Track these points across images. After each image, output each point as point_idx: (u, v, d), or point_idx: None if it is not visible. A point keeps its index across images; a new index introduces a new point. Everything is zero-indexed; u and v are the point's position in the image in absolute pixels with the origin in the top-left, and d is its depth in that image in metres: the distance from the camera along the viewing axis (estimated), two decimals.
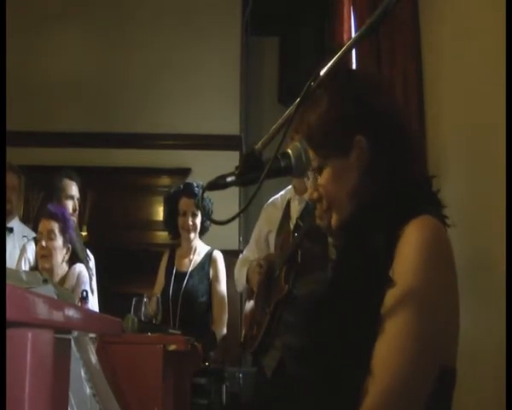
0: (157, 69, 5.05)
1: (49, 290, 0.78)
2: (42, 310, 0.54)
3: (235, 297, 3.95)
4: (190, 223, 3.23)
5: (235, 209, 3.70)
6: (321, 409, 0.99)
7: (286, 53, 5.86)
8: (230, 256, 3.52)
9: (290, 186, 2.78)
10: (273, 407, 2.23)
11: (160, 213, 4.67)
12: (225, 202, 3.14)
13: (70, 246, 2.91)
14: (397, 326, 0.92)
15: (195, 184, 3.27)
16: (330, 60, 0.94)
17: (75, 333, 0.75)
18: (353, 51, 2.89)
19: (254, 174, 0.95)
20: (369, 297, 0.95)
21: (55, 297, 0.76)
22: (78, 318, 0.65)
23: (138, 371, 1.85)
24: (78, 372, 1.07)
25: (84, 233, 3.86)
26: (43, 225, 2.89)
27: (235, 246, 4.65)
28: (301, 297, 2.34)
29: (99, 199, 4.52)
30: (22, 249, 3.29)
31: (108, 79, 5.07)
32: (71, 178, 3.41)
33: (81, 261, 2.99)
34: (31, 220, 3.96)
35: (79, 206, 3.46)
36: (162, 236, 4.25)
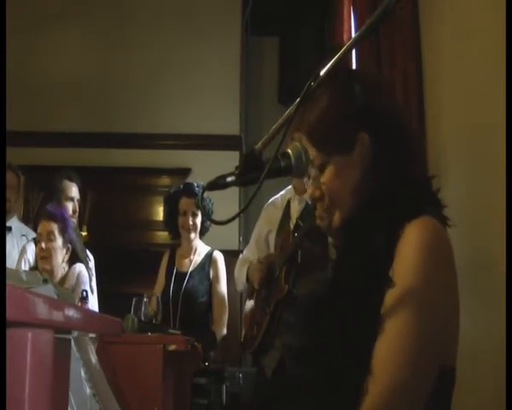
0: (157, 69, 5.05)
1: (49, 290, 0.78)
2: (42, 310, 0.54)
3: (235, 297, 3.96)
4: (190, 223, 3.23)
5: (235, 209, 3.70)
6: (321, 409, 0.99)
7: (286, 53, 5.86)
8: (230, 256, 3.52)
9: (290, 186, 2.78)
10: (273, 407, 2.23)
11: (160, 213, 4.67)
12: (225, 202, 3.14)
13: (70, 246, 2.91)
14: (397, 326, 0.92)
15: (196, 184, 3.27)
16: (330, 60, 0.94)
17: (75, 333, 0.75)
18: (353, 51, 2.89)
19: (254, 174, 0.94)
20: (369, 297, 0.95)
21: (55, 297, 0.76)
22: (78, 318, 0.65)
23: (138, 371, 1.85)
24: (78, 372, 1.07)
25: (84, 233, 3.86)
26: (43, 226, 2.88)
27: (235, 246, 4.65)
28: (301, 297, 2.34)
29: (99, 199, 4.52)
30: (22, 250, 3.29)
31: (108, 79, 5.07)
32: (71, 180, 3.40)
33: (81, 261, 2.99)
34: (31, 220, 3.96)
35: (79, 207, 3.46)
36: (162, 236, 4.25)
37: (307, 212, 2.48)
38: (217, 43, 5.09)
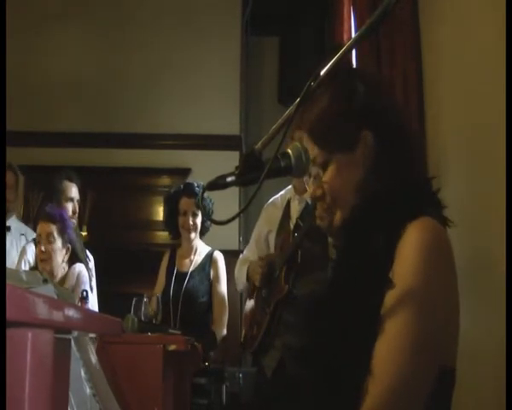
0: (157, 69, 5.05)
1: (49, 290, 0.78)
2: (42, 310, 0.54)
3: (235, 297, 3.96)
4: (191, 222, 3.23)
5: (235, 209, 3.70)
6: (321, 409, 0.99)
7: (286, 53, 5.86)
8: (230, 256, 3.52)
9: (290, 186, 2.78)
10: (273, 407, 2.23)
11: (160, 213, 4.67)
12: (225, 202, 3.14)
13: (69, 246, 2.91)
14: (396, 326, 0.92)
15: (196, 184, 3.27)
16: (330, 60, 0.94)
17: (75, 333, 0.75)
18: (353, 51, 2.89)
19: (254, 174, 0.94)
20: (368, 297, 0.95)
21: (55, 297, 0.76)
22: (78, 318, 0.65)
23: (138, 371, 1.85)
24: (78, 372, 1.07)
25: (84, 233, 3.86)
26: (42, 227, 2.88)
27: (235, 246, 4.65)
28: (301, 297, 2.34)
29: (99, 199, 4.52)
30: (22, 251, 3.29)
31: (108, 79, 5.07)
32: (71, 180, 3.40)
33: (81, 261, 2.99)
34: (31, 220, 3.96)
35: (79, 207, 3.46)
36: (162, 236, 4.25)
37: (307, 212, 2.48)
38: (217, 43, 5.09)
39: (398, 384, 0.90)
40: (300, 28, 5.75)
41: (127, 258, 4.52)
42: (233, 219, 0.92)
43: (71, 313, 0.62)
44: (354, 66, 3.05)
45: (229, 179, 0.96)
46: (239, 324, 4.02)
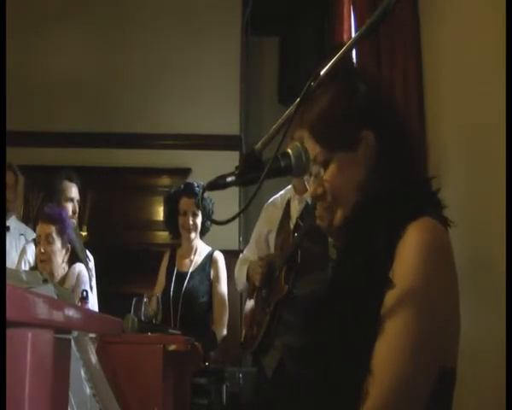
0: (157, 69, 5.05)
1: (49, 290, 0.78)
2: (42, 310, 0.54)
3: (235, 297, 3.96)
4: (191, 222, 3.23)
5: (235, 209, 3.70)
6: (321, 409, 0.99)
7: (286, 53, 5.86)
8: (230, 256, 3.52)
9: (290, 186, 2.78)
10: (273, 407, 2.23)
11: (160, 213, 4.67)
12: (225, 202, 3.14)
13: (69, 246, 2.91)
14: (396, 326, 0.92)
15: (196, 184, 3.27)
16: (330, 59, 0.94)
17: (75, 333, 0.75)
18: (353, 51, 2.88)
19: (254, 174, 0.94)
20: (369, 297, 0.95)
21: (55, 297, 0.76)
22: (78, 318, 0.65)
23: (138, 371, 1.85)
24: (78, 372, 1.07)
25: (84, 233, 3.86)
26: (41, 228, 2.88)
27: (235, 246, 4.65)
28: (301, 297, 2.34)
29: (99, 199, 4.52)
30: (22, 251, 3.29)
31: (108, 79, 5.07)
32: (71, 180, 3.40)
33: (81, 261, 2.99)
34: (31, 220, 3.96)
35: (79, 207, 3.46)
36: (162, 236, 4.25)
37: (307, 212, 2.48)
38: (217, 43, 5.09)
39: (398, 385, 0.90)
40: (300, 28, 5.75)
41: (127, 258, 4.52)
42: (233, 219, 0.92)
43: (71, 313, 0.62)
44: (355, 65, 3.05)
45: (229, 179, 0.96)
46: (239, 324, 4.02)
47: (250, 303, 2.78)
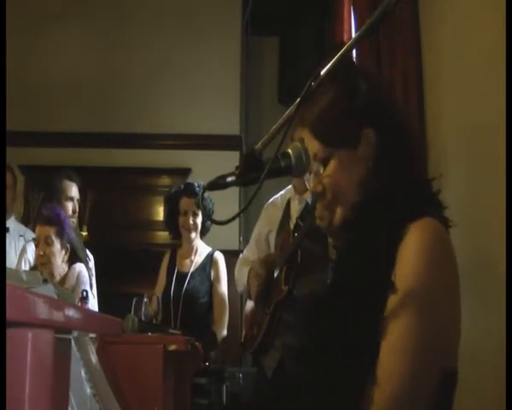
0: (157, 69, 5.05)
1: (49, 290, 0.78)
2: (42, 310, 0.54)
3: (235, 298, 3.96)
4: (191, 222, 3.23)
5: (236, 209, 3.70)
6: (321, 409, 0.99)
7: (286, 53, 5.86)
8: (231, 256, 3.52)
9: (290, 186, 2.78)
10: (273, 407, 2.23)
11: (160, 213, 4.67)
12: (225, 202, 3.14)
13: (68, 246, 2.91)
14: (399, 329, 0.91)
15: (196, 184, 3.28)
16: (330, 59, 0.94)
17: (75, 333, 0.75)
18: (353, 51, 2.88)
19: (254, 174, 0.94)
20: (369, 297, 0.95)
21: (56, 297, 0.76)
22: (79, 318, 0.65)
23: (138, 371, 1.85)
24: (78, 372, 1.07)
25: (84, 233, 3.86)
26: (40, 231, 2.88)
27: (235, 246, 4.65)
28: (301, 297, 2.34)
29: (99, 199, 4.52)
30: (22, 250, 3.29)
31: (108, 79, 5.07)
32: (71, 179, 3.41)
33: (81, 261, 2.98)
34: (31, 220, 3.96)
35: (79, 206, 3.46)
36: (162, 236, 4.25)
37: (307, 212, 2.48)
38: (217, 43, 5.09)
39: (400, 387, 0.89)
40: (300, 28, 5.74)
41: (127, 258, 4.52)
42: (233, 219, 0.92)
43: (71, 313, 0.62)
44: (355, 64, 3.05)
45: (229, 179, 0.96)
46: (239, 324, 4.02)
47: (250, 303, 2.78)
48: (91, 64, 5.04)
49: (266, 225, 2.86)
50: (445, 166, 2.34)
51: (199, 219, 3.26)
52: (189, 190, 3.24)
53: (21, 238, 3.52)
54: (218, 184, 0.96)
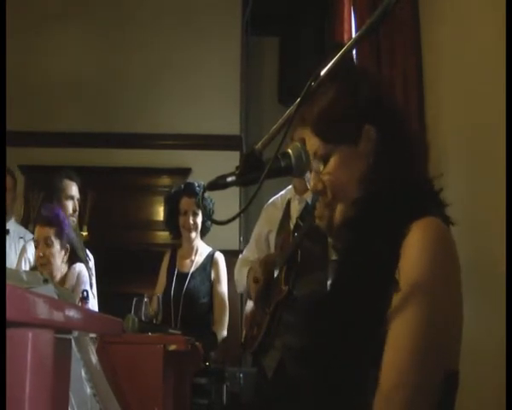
0: (157, 69, 5.05)
1: (49, 290, 0.78)
2: (42, 310, 0.54)
3: (235, 298, 3.95)
4: (191, 222, 3.23)
5: (236, 209, 3.70)
6: (321, 409, 0.99)
7: (286, 53, 5.86)
8: (231, 256, 3.52)
9: (290, 186, 2.78)
10: (273, 407, 2.23)
11: (160, 213, 4.68)
12: (226, 202, 3.14)
13: (68, 246, 2.91)
14: (403, 328, 0.91)
15: (196, 184, 3.28)
16: (331, 60, 0.94)
17: (75, 333, 0.75)
18: (353, 51, 2.88)
19: (255, 174, 0.94)
20: (371, 297, 0.95)
21: (56, 297, 0.76)
22: (79, 318, 0.65)
23: (139, 371, 1.86)
24: (78, 372, 1.07)
25: (84, 233, 3.86)
26: (39, 232, 2.87)
27: (235, 246, 4.65)
28: (301, 297, 2.34)
29: (99, 199, 4.52)
30: (22, 250, 3.30)
31: (108, 79, 5.07)
32: (71, 179, 3.41)
33: (81, 261, 2.98)
34: (31, 220, 3.96)
35: (79, 206, 3.46)
36: (162, 236, 4.25)
37: (307, 212, 2.48)
38: (217, 43, 5.09)
39: (404, 386, 0.89)
40: (300, 28, 5.74)
41: (127, 258, 4.52)
42: (233, 219, 0.92)
43: (71, 313, 0.62)
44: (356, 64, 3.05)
45: (229, 179, 0.96)
46: (239, 324, 4.02)
47: (250, 304, 2.78)
48: (91, 64, 5.04)
49: (266, 225, 2.86)
50: (445, 166, 2.34)
51: (199, 219, 3.26)
52: (190, 190, 3.24)
53: (21, 240, 3.52)
54: (218, 184, 0.96)
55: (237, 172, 0.95)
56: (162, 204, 4.23)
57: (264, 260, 2.68)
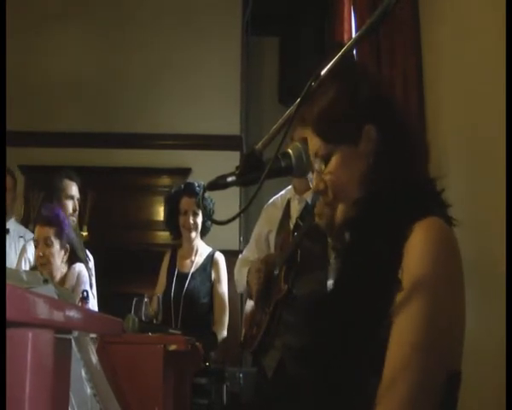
0: (157, 69, 5.05)
1: (49, 290, 0.78)
2: (42, 310, 0.54)
3: (235, 298, 3.96)
4: (191, 222, 3.23)
5: (236, 209, 3.70)
6: (321, 409, 0.99)
7: (286, 53, 5.86)
8: (231, 256, 3.51)
9: (290, 186, 2.78)
10: (273, 407, 2.23)
11: (160, 213, 4.68)
12: (226, 202, 3.14)
13: (68, 246, 2.90)
14: (406, 327, 0.91)
15: (196, 184, 3.28)
16: (331, 60, 0.94)
17: (76, 333, 0.75)
18: (353, 51, 2.89)
19: (255, 174, 0.95)
20: (373, 297, 0.95)
21: (56, 297, 0.76)
22: (79, 318, 0.65)
23: (139, 371, 1.85)
24: (78, 372, 1.07)
25: (84, 233, 3.86)
26: (39, 232, 2.87)
27: (235, 246, 4.65)
28: (301, 297, 2.34)
29: (99, 199, 4.52)
30: (22, 249, 3.30)
31: (108, 79, 5.07)
32: (71, 179, 3.41)
33: (81, 261, 2.98)
34: (31, 220, 3.96)
35: (79, 206, 3.46)
36: (162, 236, 4.26)
37: (307, 211, 2.48)
38: (217, 43, 5.09)
39: (407, 386, 0.89)
40: (300, 28, 5.74)
41: (127, 258, 4.53)
42: (233, 219, 0.92)
43: (71, 313, 0.62)
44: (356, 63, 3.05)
45: (229, 179, 0.96)
46: (239, 324, 4.02)
47: (250, 303, 2.78)
48: (91, 64, 5.05)
49: (266, 225, 2.86)
50: (445, 166, 2.34)
51: (199, 219, 3.26)
52: (190, 190, 3.24)
53: (21, 239, 3.52)
54: (218, 184, 0.96)
55: (237, 172, 0.95)
56: (162, 204, 4.24)
57: (264, 259, 2.68)
